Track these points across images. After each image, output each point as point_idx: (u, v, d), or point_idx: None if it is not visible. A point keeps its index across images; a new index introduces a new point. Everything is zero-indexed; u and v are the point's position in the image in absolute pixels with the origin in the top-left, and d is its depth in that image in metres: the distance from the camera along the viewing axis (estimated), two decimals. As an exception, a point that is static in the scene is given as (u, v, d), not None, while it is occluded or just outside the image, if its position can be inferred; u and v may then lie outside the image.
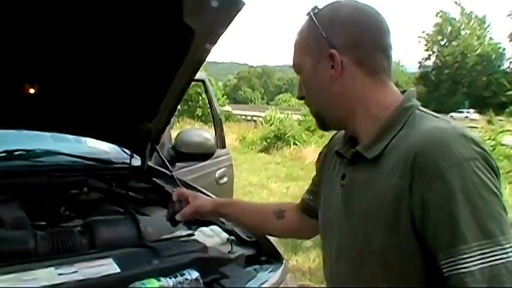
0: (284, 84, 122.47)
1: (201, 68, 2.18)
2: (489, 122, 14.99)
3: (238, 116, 40.11)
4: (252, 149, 19.02)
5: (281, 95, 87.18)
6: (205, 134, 3.27)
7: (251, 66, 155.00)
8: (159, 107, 2.25)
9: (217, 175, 3.74)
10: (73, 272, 1.43)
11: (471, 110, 53.91)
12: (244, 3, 1.78)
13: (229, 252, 1.77)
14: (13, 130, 2.52)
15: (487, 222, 1.03)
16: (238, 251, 1.81)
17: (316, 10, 1.30)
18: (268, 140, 18.80)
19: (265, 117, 23.31)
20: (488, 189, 1.05)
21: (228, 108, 39.97)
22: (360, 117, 1.28)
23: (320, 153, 1.55)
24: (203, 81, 4.33)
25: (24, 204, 2.00)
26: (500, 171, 1.19)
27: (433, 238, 1.08)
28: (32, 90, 2.24)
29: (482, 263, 1.01)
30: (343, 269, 1.29)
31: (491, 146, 11.29)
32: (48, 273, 1.41)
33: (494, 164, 1.11)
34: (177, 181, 2.36)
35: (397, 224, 1.13)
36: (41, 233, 1.74)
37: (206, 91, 4.48)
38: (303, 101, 1.38)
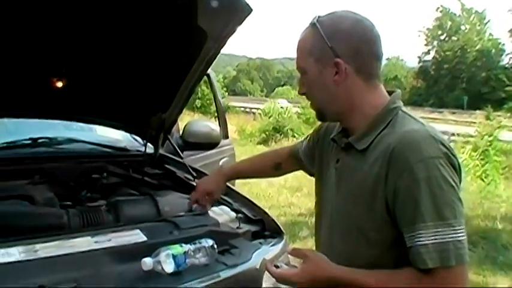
0: (283, 76, 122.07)
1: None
2: (487, 117, 15.06)
3: (237, 108, 40.04)
4: (250, 141, 19.02)
5: (280, 88, 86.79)
6: (211, 125, 3.51)
7: (250, 59, 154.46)
8: (173, 100, 2.48)
9: (220, 164, 3.94)
10: (108, 240, 1.68)
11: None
12: (251, 10, 2.00)
13: (237, 227, 2.03)
14: (38, 119, 2.75)
15: (443, 207, 1.30)
16: (245, 227, 2.09)
17: (318, 18, 1.49)
18: (267, 132, 18.78)
19: (264, 109, 23.39)
20: (446, 182, 1.32)
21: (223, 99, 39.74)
22: (354, 114, 1.51)
23: (321, 127, 1.80)
24: (208, 75, 4.50)
25: (52, 187, 2.23)
26: (497, 166, 1.50)
27: (400, 216, 1.36)
28: (56, 84, 2.44)
29: (435, 239, 1.29)
30: (335, 239, 1.55)
31: (489, 142, 11.44)
32: (86, 241, 1.66)
33: (456, 162, 1.38)
34: (188, 168, 2.59)
35: (374, 204, 1.40)
36: (72, 210, 2.00)
37: (211, 84, 4.67)
38: (301, 95, 1.59)
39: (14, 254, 1.53)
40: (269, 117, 20.82)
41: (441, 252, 1.28)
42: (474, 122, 16.14)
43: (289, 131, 18.65)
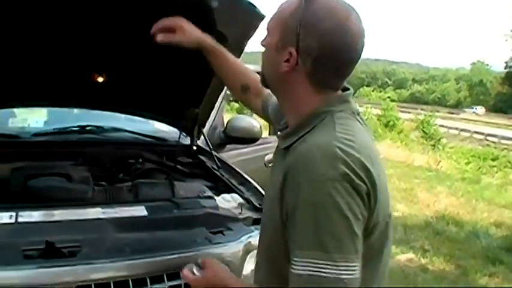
0: (366, 77, 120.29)
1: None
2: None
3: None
4: (327, 141, 19.12)
5: (363, 89, 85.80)
6: (253, 121, 3.67)
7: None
8: (204, 96, 2.68)
9: (266, 159, 4.07)
10: (114, 212, 1.96)
11: (478, 107, 63.99)
12: (264, 16, 2.14)
13: (239, 213, 2.20)
14: (86, 109, 3.08)
15: (325, 237, 1.12)
16: (247, 213, 2.25)
17: None
18: (344, 133, 18.83)
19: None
20: (338, 211, 1.13)
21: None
22: (290, 108, 1.38)
23: None
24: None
25: (90, 169, 2.50)
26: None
27: (287, 238, 1.22)
28: (102, 79, 2.70)
29: (310, 270, 1.12)
30: (259, 249, 1.51)
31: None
32: (95, 212, 1.95)
33: (365, 188, 1.17)
34: (215, 159, 2.80)
35: (276, 215, 1.27)
36: (98, 188, 2.29)
37: None
38: (385, 97, 1.62)
39: (34, 216, 1.85)
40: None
41: (312, 286, 1.13)
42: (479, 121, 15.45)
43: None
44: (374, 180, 1.20)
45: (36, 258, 1.69)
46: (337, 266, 1.12)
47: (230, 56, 1.95)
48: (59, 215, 1.89)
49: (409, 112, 36.39)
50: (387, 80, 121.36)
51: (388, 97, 58.70)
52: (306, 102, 1.32)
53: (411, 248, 5.94)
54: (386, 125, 21.81)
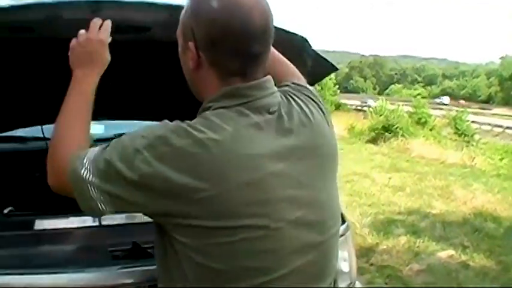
0: (396, 74, 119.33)
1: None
2: None
3: (349, 106, 39.93)
4: (359, 139, 19.10)
5: (394, 86, 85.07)
6: None
7: (363, 56, 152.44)
8: None
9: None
10: None
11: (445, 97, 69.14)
12: (337, 69, 2.24)
13: None
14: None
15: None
16: None
17: None
18: (376, 131, 18.82)
19: (376, 107, 23.32)
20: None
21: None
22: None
23: None
24: None
25: None
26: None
27: None
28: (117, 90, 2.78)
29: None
30: None
31: None
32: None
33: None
34: None
35: None
36: None
37: None
38: (415, 94, 1.64)
39: (117, 218, 1.99)
40: (380, 116, 20.75)
41: None
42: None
43: (399, 130, 18.51)
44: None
45: (123, 258, 1.81)
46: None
47: None
48: (140, 217, 1.99)
49: (440, 108, 36.17)
50: (417, 76, 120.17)
51: (418, 94, 58.23)
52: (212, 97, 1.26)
53: (451, 245, 6.00)
54: (417, 122, 21.69)
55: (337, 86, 40.16)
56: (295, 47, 1.96)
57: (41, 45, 2.00)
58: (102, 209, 1.20)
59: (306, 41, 2.05)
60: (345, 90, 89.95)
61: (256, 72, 1.26)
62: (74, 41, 1.46)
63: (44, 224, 2.02)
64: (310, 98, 1.39)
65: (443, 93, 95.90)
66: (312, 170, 1.28)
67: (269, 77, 1.30)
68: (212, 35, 1.20)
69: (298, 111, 1.31)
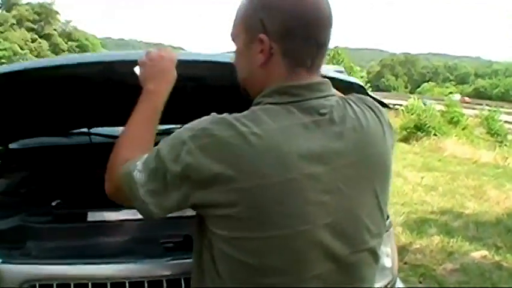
0: (428, 72, 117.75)
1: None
2: None
3: (380, 105, 39.51)
4: (391, 138, 18.99)
5: (426, 84, 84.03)
6: None
7: (394, 53, 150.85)
8: None
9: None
10: None
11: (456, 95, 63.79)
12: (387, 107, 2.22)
13: None
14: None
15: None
16: None
17: None
18: (408, 130, 18.57)
19: (407, 106, 23.12)
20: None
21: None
22: None
23: None
24: None
25: None
26: None
27: None
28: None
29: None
30: None
31: None
32: None
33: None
34: None
35: None
36: None
37: None
38: (446, 92, 1.62)
39: None
40: (411, 114, 20.53)
41: None
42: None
43: (431, 129, 18.30)
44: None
45: (174, 250, 1.88)
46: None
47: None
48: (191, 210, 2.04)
49: (473, 108, 35.60)
50: (449, 75, 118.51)
51: (450, 93, 57.44)
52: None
53: (484, 245, 5.98)
54: (450, 122, 21.42)
55: (368, 85, 39.83)
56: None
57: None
58: (150, 210, 1.25)
59: (363, 87, 2.12)
60: (376, 88, 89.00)
61: (318, 65, 1.30)
62: (144, 58, 1.56)
63: (96, 216, 2.09)
64: (371, 108, 1.37)
65: (476, 92, 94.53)
66: (354, 180, 1.25)
67: (325, 80, 1.31)
68: (287, 24, 1.22)
69: (352, 117, 1.29)
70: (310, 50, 1.26)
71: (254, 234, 1.17)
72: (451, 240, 5.97)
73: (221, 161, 1.15)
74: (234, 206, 1.15)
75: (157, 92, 1.50)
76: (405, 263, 5.14)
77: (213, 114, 1.24)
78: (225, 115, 1.21)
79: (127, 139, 1.43)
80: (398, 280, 2.13)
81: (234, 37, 1.35)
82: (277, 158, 1.15)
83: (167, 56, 1.57)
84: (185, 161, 1.17)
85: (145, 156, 1.27)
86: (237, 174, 1.14)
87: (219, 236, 1.21)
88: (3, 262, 1.76)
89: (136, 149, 1.34)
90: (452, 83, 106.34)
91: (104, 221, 2.11)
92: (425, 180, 9.98)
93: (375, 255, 1.32)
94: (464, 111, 28.11)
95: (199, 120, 1.24)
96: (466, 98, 63.37)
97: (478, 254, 5.74)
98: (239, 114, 1.21)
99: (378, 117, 1.36)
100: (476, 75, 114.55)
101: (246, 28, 1.29)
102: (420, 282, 4.76)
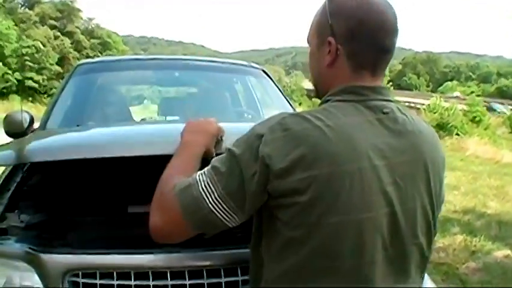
0: (450, 71, 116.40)
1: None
2: None
3: (402, 103, 39.25)
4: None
5: (449, 83, 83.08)
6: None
7: (416, 52, 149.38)
8: None
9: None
10: None
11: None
12: None
13: None
14: None
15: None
16: None
17: None
18: (430, 129, 18.52)
19: (429, 105, 22.94)
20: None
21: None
22: None
23: None
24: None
25: None
26: None
27: None
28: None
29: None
30: None
31: None
32: None
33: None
34: None
35: None
36: None
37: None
38: (469, 91, 1.71)
39: None
40: (434, 113, 20.38)
41: None
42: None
43: (453, 128, 18.16)
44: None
45: (215, 241, 1.79)
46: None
47: None
48: None
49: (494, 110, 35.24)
50: (471, 74, 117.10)
51: (472, 92, 56.78)
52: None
53: (507, 245, 5.96)
54: (472, 121, 21.25)
55: (390, 83, 39.48)
56: None
57: None
58: (224, 217, 1.29)
59: None
60: (398, 87, 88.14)
61: (382, 69, 1.41)
62: (191, 120, 1.68)
63: (136, 207, 2.11)
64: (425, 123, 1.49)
65: (499, 91, 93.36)
66: (409, 177, 1.32)
67: (387, 86, 1.40)
68: (352, 28, 1.33)
69: (411, 121, 1.39)
70: (374, 54, 1.36)
71: (321, 220, 1.22)
72: (474, 239, 5.96)
73: (298, 150, 1.21)
74: (305, 193, 1.21)
75: (194, 142, 1.58)
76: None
77: (284, 112, 1.33)
78: (298, 112, 1.31)
79: (170, 170, 1.46)
80: (427, 278, 2.10)
81: (310, 42, 1.47)
82: (349, 148, 1.23)
83: (215, 121, 1.68)
84: (264, 152, 1.23)
85: (204, 169, 1.33)
86: (313, 162, 1.20)
87: (285, 223, 1.25)
88: (45, 252, 1.76)
89: (182, 176, 1.39)
90: (475, 82, 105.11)
91: (145, 212, 2.17)
92: (447, 179, 9.82)
93: (422, 252, 1.38)
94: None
95: (270, 117, 1.32)
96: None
97: (501, 253, 5.73)
98: (311, 110, 1.31)
99: (432, 132, 1.47)
100: (499, 75, 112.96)
101: (318, 32, 1.41)
102: (443, 281, 4.78)
